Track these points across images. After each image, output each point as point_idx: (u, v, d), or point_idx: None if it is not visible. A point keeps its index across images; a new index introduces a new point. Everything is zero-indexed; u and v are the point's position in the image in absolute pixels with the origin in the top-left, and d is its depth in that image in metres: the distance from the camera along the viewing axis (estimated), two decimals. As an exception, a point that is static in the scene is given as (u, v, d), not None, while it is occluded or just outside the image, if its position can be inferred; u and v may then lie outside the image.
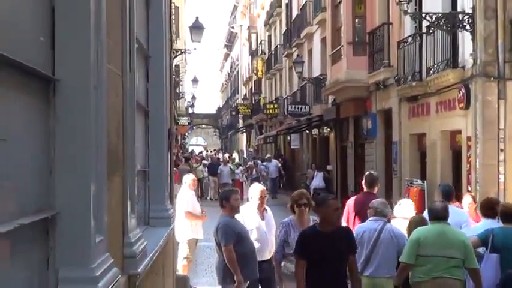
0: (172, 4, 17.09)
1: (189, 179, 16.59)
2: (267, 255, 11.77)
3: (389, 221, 10.98)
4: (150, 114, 7.61)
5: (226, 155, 54.28)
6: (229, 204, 11.27)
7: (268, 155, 50.11)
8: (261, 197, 12.08)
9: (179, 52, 37.65)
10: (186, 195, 15.94)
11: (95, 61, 3.81)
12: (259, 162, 48.38)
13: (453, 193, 13.08)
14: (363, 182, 13.75)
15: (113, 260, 4.14)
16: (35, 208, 3.39)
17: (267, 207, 12.33)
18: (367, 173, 14.65)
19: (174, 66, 35.04)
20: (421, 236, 9.90)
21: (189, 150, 72.02)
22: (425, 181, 22.39)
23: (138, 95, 6.46)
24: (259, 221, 11.87)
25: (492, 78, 18.63)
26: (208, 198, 38.95)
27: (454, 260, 9.57)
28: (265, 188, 13.06)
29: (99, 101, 3.87)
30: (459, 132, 20.73)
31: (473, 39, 19.03)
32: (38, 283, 3.53)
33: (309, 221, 10.91)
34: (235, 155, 61.50)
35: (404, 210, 12.17)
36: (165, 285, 8.29)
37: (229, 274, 11.02)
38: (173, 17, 30.06)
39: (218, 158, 49.80)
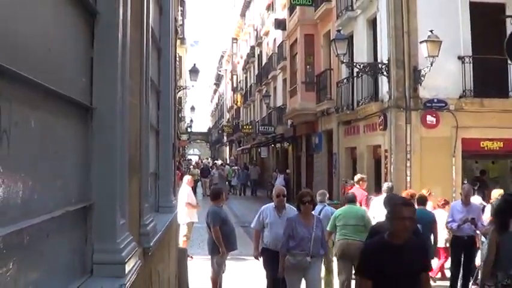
0: (177, 54, 17.14)
1: (187, 179, 16.71)
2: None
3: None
4: (160, 133, 7.61)
5: (219, 162, 54.29)
6: (218, 199, 11.69)
7: (254, 161, 50.43)
8: (277, 195, 10.52)
9: (181, 88, 37.59)
10: (186, 190, 15.97)
11: (120, 95, 3.82)
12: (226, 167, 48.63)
13: (393, 189, 14.17)
14: (355, 180, 15.73)
15: (132, 236, 4.14)
16: (77, 199, 3.41)
17: (289, 206, 10.60)
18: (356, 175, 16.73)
19: (177, 98, 35.04)
20: (337, 213, 11.68)
21: (187, 158, 71.84)
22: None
23: (151, 119, 6.46)
24: (275, 218, 10.32)
25: (402, 109, 18.95)
26: (201, 194, 38.60)
27: (357, 227, 10.96)
28: (283, 189, 11.25)
29: (123, 123, 3.88)
30: (379, 146, 20.97)
31: (388, 81, 19.36)
32: (80, 252, 3.54)
33: (313, 217, 9.61)
34: (219, 162, 61.40)
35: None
36: (170, 255, 8.27)
37: (216, 247, 11.10)
38: (177, 63, 30.04)
39: (207, 164, 49.90)
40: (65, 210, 3.08)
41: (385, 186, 14.15)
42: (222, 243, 11.13)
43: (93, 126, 3.65)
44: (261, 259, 10.70)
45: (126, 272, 3.73)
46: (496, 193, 12.86)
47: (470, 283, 12.00)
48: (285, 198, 10.66)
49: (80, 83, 3.51)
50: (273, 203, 10.62)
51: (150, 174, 6.16)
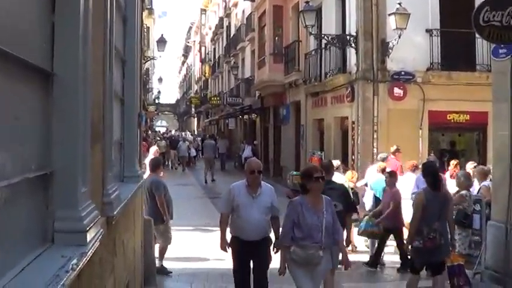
0: (144, 25, 17.01)
1: (153, 150, 16.76)
2: (254, 236, 8.14)
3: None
4: (125, 102, 7.52)
5: (185, 133, 54.00)
6: (158, 169, 11.86)
7: (222, 132, 50.38)
8: (251, 171, 8.22)
9: (149, 58, 37.25)
10: (153, 161, 15.95)
11: (82, 61, 3.76)
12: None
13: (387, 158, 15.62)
14: (391, 150, 16.27)
15: (94, 205, 4.09)
16: (37, 166, 3.36)
17: (264, 184, 8.44)
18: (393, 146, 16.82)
19: (144, 68, 34.72)
20: None
21: (156, 130, 71.60)
22: (323, 152, 22.72)
23: (116, 87, 6.38)
24: (248, 199, 8.17)
25: (369, 81, 19.06)
26: (169, 167, 38.17)
27: None
28: (259, 163, 8.73)
29: (85, 90, 3.82)
30: (346, 118, 21.11)
31: (356, 53, 19.41)
32: (41, 220, 3.51)
33: (322, 199, 7.58)
34: (187, 134, 61.10)
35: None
36: (135, 225, 8.23)
37: (159, 216, 11.15)
38: (145, 33, 29.71)
39: (175, 136, 49.45)
40: (24, 177, 3.03)
41: (379, 156, 15.40)
42: (166, 210, 11.41)
43: (54, 92, 3.59)
44: (229, 250, 8.53)
45: (88, 240, 3.70)
46: (471, 165, 13.66)
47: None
48: (261, 175, 8.41)
49: (40, 48, 3.44)
50: (244, 181, 8.40)
51: (114, 143, 6.10)
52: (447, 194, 9.48)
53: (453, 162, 14.96)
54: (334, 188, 9.57)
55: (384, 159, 15.18)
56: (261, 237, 8.13)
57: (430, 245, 8.81)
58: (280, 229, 7.83)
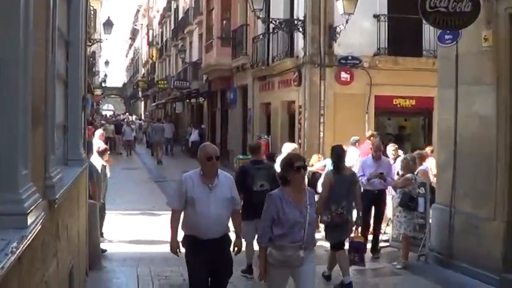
0: (91, 7, 16.78)
1: (98, 133, 16.57)
2: (214, 233, 6.82)
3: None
4: (68, 84, 7.43)
5: (133, 117, 53.49)
6: (90, 153, 11.49)
7: (169, 116, 50.01)
8: (209, 158, 6.91)
9: (95, 41, 36.65)
10: (99, 145, 15.78)
11: (24, 43, 3.71)
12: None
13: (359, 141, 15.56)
14: (366, 135, 16.08)
15: (35, 188, 4.06)
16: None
17: (222, 173, 7.12)
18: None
19: (90, 51, 34.17)
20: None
21: (103, 114, 70.80)
22: (270, 136, 22.86)
23: (59, 69, 6.29)
24: (204, 191, 6.85)
25: (316, 65, 19.15)
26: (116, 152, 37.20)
27: None
28: (216, 148, 7.25)
29: (26, 72, 3.78)
30: (293, 102, 21.24)
31: (304, 38, 19.52)
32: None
33: (305, 191, 6.66)
34: (132, 118, 60.49)
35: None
36: (79, 208, 8.16)
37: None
38: (91, 15, 29.21)
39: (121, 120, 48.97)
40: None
41: (352, 139, 15.20)
42: (99, 198, 11.48)
43: (-6, 75, 3.55)
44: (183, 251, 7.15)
45: (29, 223, 3.66)
46: (391, 147, 13.98)
47: (382, 232, 12.50)
48: (218, 162, 7.09)
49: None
50: (197, 170, 7.10)
51: (57, 126, 6.02)
52: (354, 176, 10.23)
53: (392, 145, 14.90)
54: (262, 167, 10.20)
55: (356, 142, 15.18)
56: (221, 234, 6.96)
57: (338, 220, 9.51)
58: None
